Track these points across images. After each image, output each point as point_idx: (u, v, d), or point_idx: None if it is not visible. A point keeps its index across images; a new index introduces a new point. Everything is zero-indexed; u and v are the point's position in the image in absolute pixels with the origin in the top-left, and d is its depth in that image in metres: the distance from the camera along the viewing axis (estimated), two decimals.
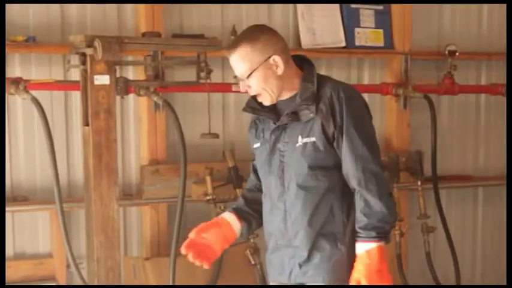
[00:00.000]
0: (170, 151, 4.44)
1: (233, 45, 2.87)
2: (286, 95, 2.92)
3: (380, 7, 4.90)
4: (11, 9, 4.05)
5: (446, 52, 4.89)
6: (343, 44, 4.78)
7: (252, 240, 4.36)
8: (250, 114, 3.05)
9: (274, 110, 2.96)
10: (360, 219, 2.81)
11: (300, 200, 2.87)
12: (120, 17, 4.37)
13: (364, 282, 2.77)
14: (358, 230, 2.82)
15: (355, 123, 2.83)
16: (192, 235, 2.94)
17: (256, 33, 2.88)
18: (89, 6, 4.26)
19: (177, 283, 4.04)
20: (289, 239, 2.92)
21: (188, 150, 3.96)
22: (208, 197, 4.30)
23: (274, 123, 2.93)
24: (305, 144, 2.85)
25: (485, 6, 5.27)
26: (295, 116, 2.87)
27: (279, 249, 2.97)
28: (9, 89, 3.83)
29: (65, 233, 3.78)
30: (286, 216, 2.91)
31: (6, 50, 3.94)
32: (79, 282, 3.89)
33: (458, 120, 5.30)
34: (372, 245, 2.79)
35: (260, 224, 3.08)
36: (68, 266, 4.13)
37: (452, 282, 4.95)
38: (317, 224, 2.87)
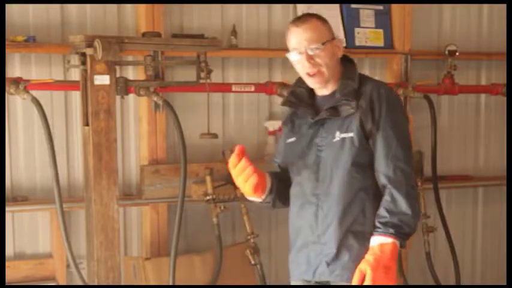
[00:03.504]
0: (170, 151, 4.44)
1: (304, 18, 2.92)
2: (326, 90, 2.94)
3: (380, 7, 4.90)
4: (11, 9, 4.05)
5: (446, 52, 4.89)
6: (343, 44, 4.78)
7: (252, 240, 4.37)
8: (287, 110, 3.07)
9: (312, 106, 2.98)
10: (382, 215, 2.81)
11: (334, 195, 2.87)
12: (120, 17, 4.37)
13: (368, 274, 2.74)
14: (377, 225, 2.81)
15: (392, 122, 2.86)
16: (238, 148, 2.85)
17: (322, 17, 2.97)
18: (89, 6, 4.26)
19: (177, 283, 4.04)
20: (318, 235, 2.90)
21: (188, 150, 3.97)
22: (208, 197, 4.30)
23: (312, 118, 2.93)
24: (343, 139, 2.86)
25: (485, 6, 5.27)
26: (334, 111, 2.88)
27: (307, 246, 2.95)
28: (9, 89, 3.83)
29: (65, 233, 3.78)
30: (318, 211, 2.90)
31: (6, 50, 3.94)
32: (79, 282, 3.89)
33: (458, 120, 5.30)
34: (388, 240, 2.78)
35: (285, 200, 3.03)
36: (68, 266, 4.12)
37: (452, 282, 4.95)
38: (348, 221, 2.86)
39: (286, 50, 4.65)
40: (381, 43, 4.89)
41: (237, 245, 4.51)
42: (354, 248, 2.86)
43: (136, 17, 4.36)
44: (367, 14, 4.84)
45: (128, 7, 4.37)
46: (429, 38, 5.10)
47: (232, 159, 2.85)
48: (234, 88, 4.43)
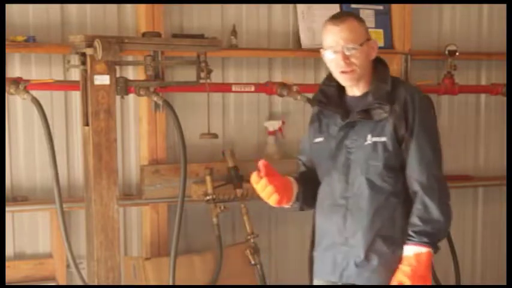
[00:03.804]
0: (170, 151, 4.44)
1: (341, 17, 2.90)
2: (357, 91, 2.93)
3: (380, 7, 4.90)
4: (11, 9, 4.05)
5: (446, 52, 4.89)
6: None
7: (252, 240, 4.37)
8: (312, 108, 3.07)
9: (341, 106, 2.95)
10: (415, 223, 2.81)
11: (364, 198, 2.86)
12: (120, 17, 4.37)
13: (407, 284, 2.76)
14: (411, 233, 2.81)
15: (426, 128, 2.85)
16: (261, 164, 2.86)
17: (358, 17, 2.96)
18: (88, 6, 4.26)
19: (177, 283, 4.04)
20: (347, 237, 2.89)
21: (188, 150, 3.96)
22: (208, 197, 4.30)
23: (342, 120, 2.91)
24: (375, 143, 2.85)
25: (485, 6, 5.27)
26: (366, 114, 2.86)
27: (334, 247, 2.94)
28: (9, 89, 3.83)
29: (65, 233, 3.78)
30: (346, 214, 2.89)
31: (6, 50, 3.94)
32: (79, 282, 3.89)
33: (458, 120, 5.29)
34: (422, 250, 2.79)
35: (312, 203, 3.05)
36: (68, 266, 4.13)
37: (452, 282, 4.95)
38: (377, 225, 2.85)
39: (286, 50, 4.71)
40: (381, 43, 4.88)
41: (237, 245, 4.51)
42: (383, 253, 2.85)
43: (137, 17, 4.36)
44: (367, 14, 4.83)
45: (128, 7, 4.37)
46: (429, 38, 5.10)
47: (253, 177, 2.86)
48: (234, 88, 4.43)
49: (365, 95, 2.91)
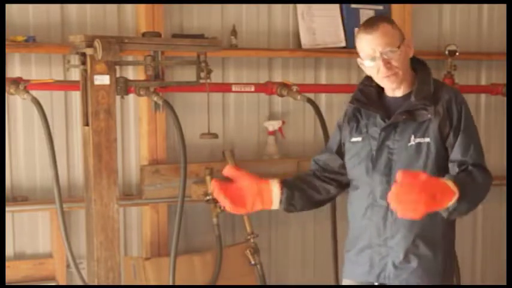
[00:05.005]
0: (170, 151, 4.44)
1: (373, 24, 2.85)
2: (398, 92, 2.91)
3: (380, 7, 4.90)
4: (11, 9, 4.05)
5: (446, 52, 4.89)
6: (343, 44, 4.78)
7: (252, 240, 4.37)
8: (347, 107, 3.03)
9: (381, 106, 2.94)
10: (458, 176, 2.73)
11: None
12: (120, 17, 4.37)
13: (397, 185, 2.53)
14: (452, 178, 2.66)
15: (470, 131, 2.87)
16: (226, 171, 2.80)
17: (389, 19, 2.94)
18: (88, 6, 4.26)
19: (177, 283, 4.04)
20: (386, 238, 2.88)
21: (188, 150, 3.96)
22: (208, 197, 4.30)
23: (384, 121, 2.90)
24: (418, 144, 2.84)
25: (485, 6, 5.27)
26: (409, 115, 2.85)
27: (371, 247, 2.93)
28: (9, 89, 3.83)
29: (65, 233, 3.79)
30: (387, 215, 2.87)
31: (6, 50, 3.94)
32: (79, 282, 3.90)
33: None
34: (448, 183, 2.61)
35: (303, 204, 2.99)
36: (68, 266, 4.13)
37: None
38: (418, 227, 2.83)
39: (286, 50, 4.72)
40: None
41: (237, 245, 4.52)
42: (423, 255, 2.84)
43: (137, 17, 4.36)
44: (367, 14, 4.83)
45: (128, 7, 4.37)
46: (429, 38, 5.10)
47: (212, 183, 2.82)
48: (234, 88, 4.43)
49: (407, 95, 2.90)
